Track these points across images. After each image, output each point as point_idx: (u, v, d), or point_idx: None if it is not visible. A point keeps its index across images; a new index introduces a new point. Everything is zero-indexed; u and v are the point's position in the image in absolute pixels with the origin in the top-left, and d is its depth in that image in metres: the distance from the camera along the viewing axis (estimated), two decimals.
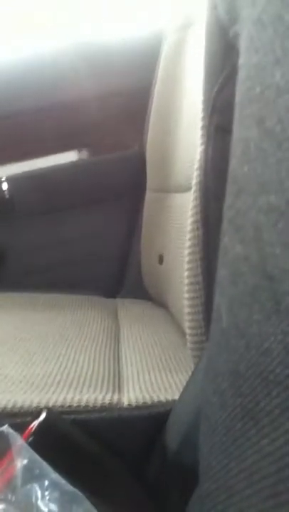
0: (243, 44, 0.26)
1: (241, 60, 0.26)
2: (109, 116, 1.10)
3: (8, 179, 1.09)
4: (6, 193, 1.08)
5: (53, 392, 0.51)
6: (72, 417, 0.48)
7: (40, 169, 1.11)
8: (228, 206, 0.27)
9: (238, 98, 0.26)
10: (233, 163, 0.27)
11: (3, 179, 1.08)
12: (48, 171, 1.11)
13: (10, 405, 0.47)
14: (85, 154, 1.16)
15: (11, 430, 0.40)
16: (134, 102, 1.08)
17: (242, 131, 0.25)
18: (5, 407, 0.47)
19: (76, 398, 0.49)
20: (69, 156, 1.15)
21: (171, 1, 0.95)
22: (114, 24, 1.13)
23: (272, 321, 0.21)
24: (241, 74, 0.26)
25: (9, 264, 1.14)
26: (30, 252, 1.14)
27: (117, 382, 0.55)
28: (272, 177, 0.21)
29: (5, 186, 1.08)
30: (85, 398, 0.49)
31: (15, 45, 1.08)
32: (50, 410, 0.44)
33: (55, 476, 0.37)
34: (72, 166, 1.13)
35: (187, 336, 0.56)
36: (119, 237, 1.14)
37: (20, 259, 1.14)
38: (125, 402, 0.50)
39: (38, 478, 0.37)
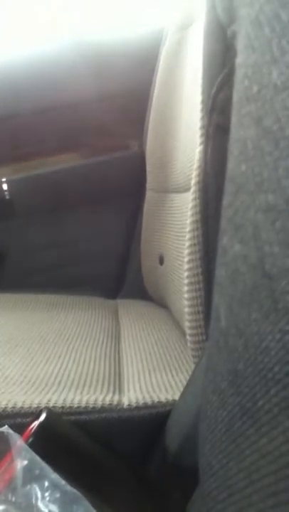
0: (240, 43, 0.26)
1: (239, 60, 0.26)
2: (109, 116, 1.10)
3: (9, 180, 1.09)
4: (6, 193, 1.08)
5: (54, 393, 0.51)
6: (73, 417, 0.48)
7: (40, 170, 1.12)
8: (226, 205, 0.27)
9: (235, 97, 0.26)
10: (231, 162, 0.27)
11: (4, 180, 1.09)
12: (47, 171, 1.11)
13: (10, 406, 0.47)
14: (84, 155, 1.16)
15: (11, 431, 0.40)
16: (134, 103, 1.08)
17: (240, 130, 0.25)
18: (5, 408, 0.47)
19: (76, 399, 0.49)
20: (69, 157, 1.15)
21: (171, 1, 0.95)
22: (114, 25, 1.13)
23: (270, 319, 0.21)
24: (239, 73, 0.26)
25: (9, 265, 1.14)
26: (31, 252, 1.14)
27: (117, 382, 0.55)
28: (270, 176, 0.21)
29: (5, 187, 1.08)
30: (85, 399, 0.49)
31: (15, 46, 1.08)
32: (50, 411, 0.44)
33: (55, 476, 0.37)
34: (72, 166, 1.13)
35: (187, 336, 0.56)
36: (120, 238, 1.14)
37: (21, 260, 1.14)
38: (125, 402, 0.50)
39: (38, 478, 0.37)
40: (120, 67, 1.07)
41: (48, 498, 0.36)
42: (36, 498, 0.36)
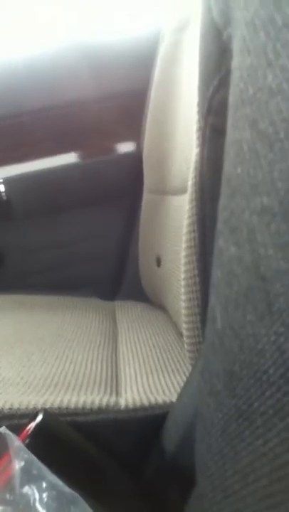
0: (236, 46, 0.26)
1: (234, 62, 0.26)
2: (107, 117, 1.10)
3: (6, 181, 1.09)
4: (3, 194, 1.08)
5: (51, 394, 0.51)
6: (69, 418, 0.48)
7: (38, 171, 1.11)
8: (222, 207, 0.27)
9: (231, 100, 0.26)
10: (227, 164, 0.27)
11: (1, 181, 1.09)
12: (45, 172, 1.11)
13: (7, 407, 0.47)
14: (82, 156, 1.16)
15: (8, 432, 0.40)
16: (132, 104, 1.08)
17: (235, 132, 0.25)
18: (2, 409, 0.47)
19: (73, 400, 0.49)
20: (67, 158, 1.15)
21: (168, 2, 0.95)
22: (112, 26, 1.13)
23: (265, 321, 0.21)
24: (234, 76, 0.26)
25: (7, 266, 1.14)
26: (28, 253, 1.14)
27: (114, 384, 0.55)
28: (265, 178, 0.21)
29: (2, 188, 1.08)
30: (82, 400, 0.49)
31: (14, 46, 1.08)
32: (46, 412, 0.44)
33: (52, 477, 0.37)
34: (70, 167, 1.13)
35: (184, 338, 0.56)
36: (117, 239, 1.14)
37: (18, 261, 1.14)
38: (122, 404, 0.50)
39: (36, 479, 0.37)
40: (119, 68, 1.07)
41: (45, 499, 0.36)
42: (34, 499, 0.36)
